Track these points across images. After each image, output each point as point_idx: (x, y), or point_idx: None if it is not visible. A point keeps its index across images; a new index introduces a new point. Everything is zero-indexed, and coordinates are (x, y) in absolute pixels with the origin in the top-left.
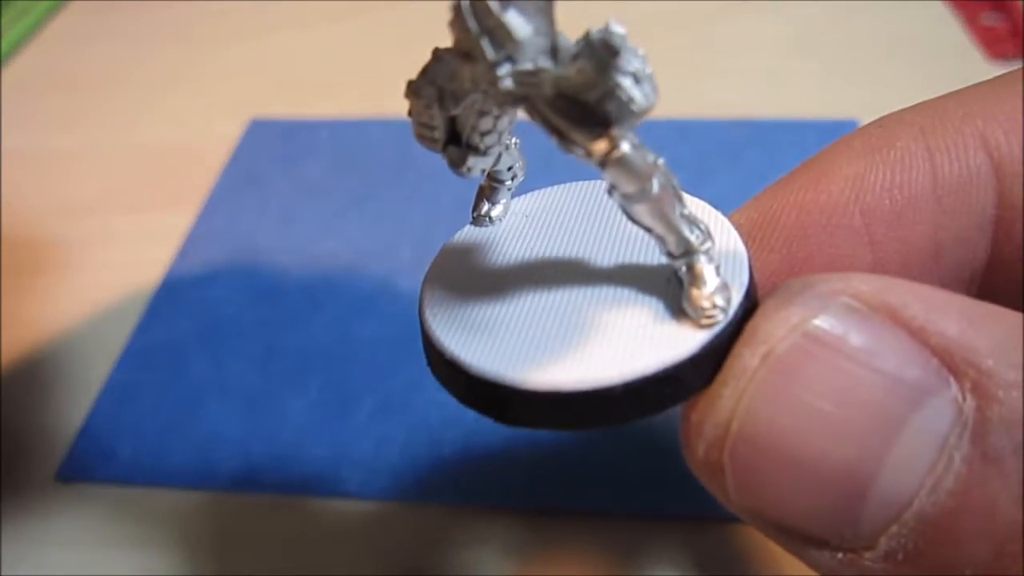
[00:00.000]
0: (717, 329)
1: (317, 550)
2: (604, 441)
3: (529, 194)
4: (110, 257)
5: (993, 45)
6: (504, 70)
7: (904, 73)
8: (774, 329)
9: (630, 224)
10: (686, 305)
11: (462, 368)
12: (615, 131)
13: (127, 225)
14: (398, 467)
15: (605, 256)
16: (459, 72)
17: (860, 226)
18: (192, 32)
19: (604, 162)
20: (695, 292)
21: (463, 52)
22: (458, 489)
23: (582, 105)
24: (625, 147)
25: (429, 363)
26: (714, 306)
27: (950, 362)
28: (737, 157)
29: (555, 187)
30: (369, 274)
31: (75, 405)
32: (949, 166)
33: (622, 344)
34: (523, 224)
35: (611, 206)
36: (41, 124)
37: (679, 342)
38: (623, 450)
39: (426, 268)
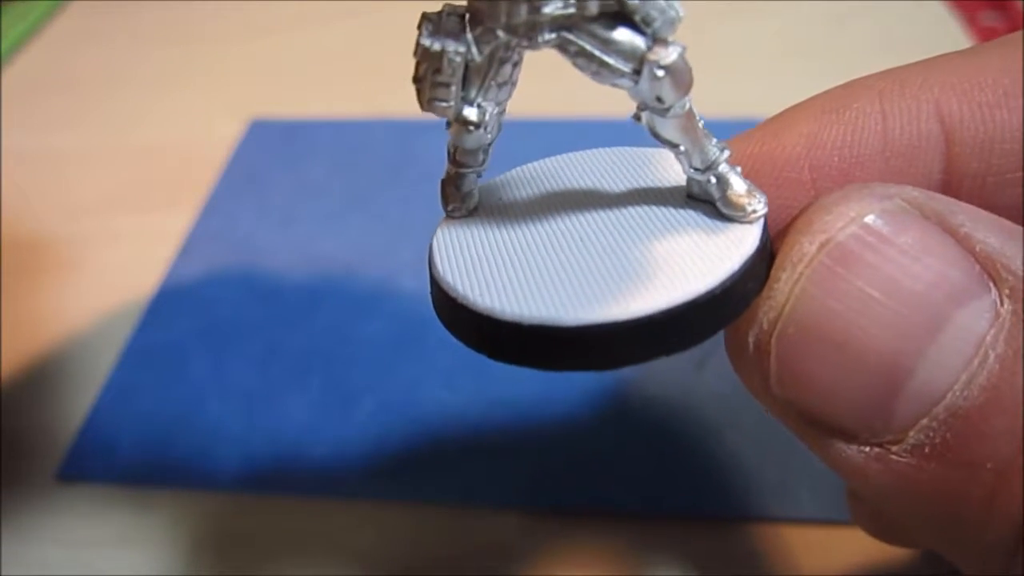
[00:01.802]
0: (763, 222)
1: (317, 550)
2: (605, 440)
3: (490, 180)
4: (110, 257)
5: None
6: None
7: None
8: (834, 220)
9: (619, 171)
10: (727, 209)
11: (563, 329)
12: (665, 37)
13: (127, 225)
14: (398, 467)
15: (618, 198)
16: (495, 6)
17: (808, 181)
18: (192, 32)
19: (660, 68)
20: (732, 194)
21: None
22: (458, 489)
23: (623, 18)
24: (678, 50)
25: (514, 354)
26: (756, 201)
27: (991, 269)
28: None
29: (514, 170)
30: (369, 274)
31: (76, 405)
32: (900, 130)
33: (694, 257)
34: (507, 200)
35: (589, 166)
36: (41, 124)
37: (742, 239)
38: (624, 449)
39: (429, 258)
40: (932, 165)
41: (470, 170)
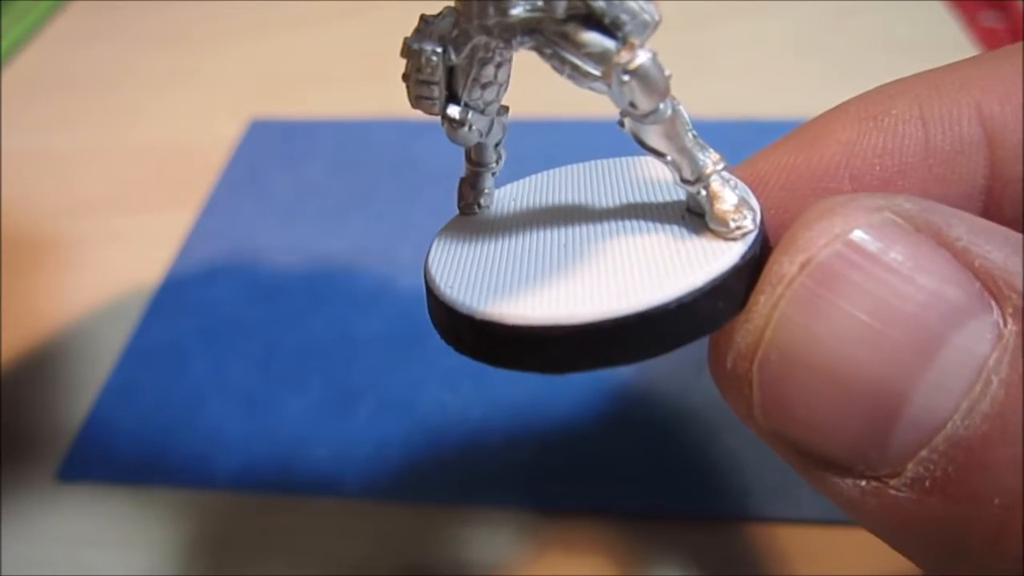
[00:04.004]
0: (751, 239)
1: (317, 550)
2: (605, 440)
3: (510, 184)
4: (110, 257)
5: (993, 45)
6: None
7: (904, 73)
8: (815, 237)
9: (627, 184)
10: (713, 224)
11: (506, 327)
12: (635, 40)
13: (127, 225)
14: (398, 467)
15: (614, 210)
16: (466, 7)
17: (848, 191)
18: (192, 32)
19: (627, 73)
20: (719, 208)
21: None
22: (458, 489)
23: (594, 21)
24: (647, 55)
25: (468, 347)
26: (743, 217)
27: (993, 286)
28: (737, 157)
29: (535, 175)
30: (369, 274)
31: (75, 405)
32: (942, 135)
33: (665, 269)
34: (516, 204)
35: (601, 176)
36: (41, 124)
37: (717, 256)
38: (624, 449)
39: (427, 261)
40: (975, 170)
41: (484, 169)
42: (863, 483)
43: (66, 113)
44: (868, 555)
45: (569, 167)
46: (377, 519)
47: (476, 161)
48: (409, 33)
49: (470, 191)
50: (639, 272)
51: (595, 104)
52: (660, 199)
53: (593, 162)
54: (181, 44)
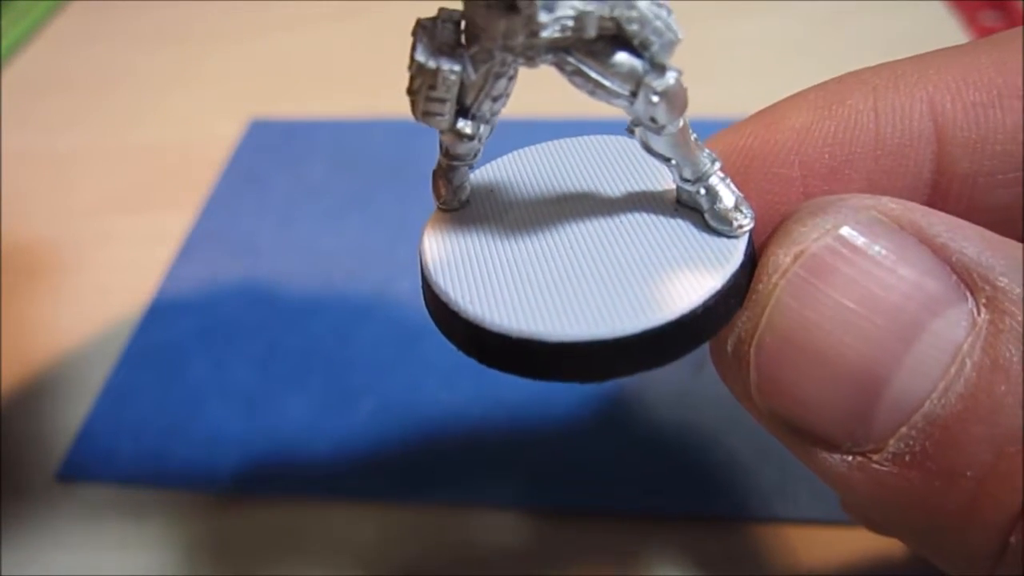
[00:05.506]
0: (748, 236)
1: (317, 550)
2: (605, 440)
3: (480, 169)
4: (110, 258)
5: None
6: (547, 17)
7: None
8: (808, 232)
9: (608, 169)
10: (715, 222)
11: (547, 344)
12: (666, 62)
13: (127, 226)
14: (398, 467)
15: (606, 201)
16: (491, 28)
17: (797, 177)
18: (192, 32)
19: (656, 94)
20: (721, 207)
21: (506, 4)
22: (458, 489)
23: (621, 41)
24: (675, 75)
25: (500, 362)
26: (743, 216)
27: (968, 278)
28: None
29: (503, 158)
30: (369, 274)
31: (75, 405)
32: (892, 127)
33: (684, 273)
34: (498, 196)
35: (576, 159)
36: (41, 124)
37: (727, 257)
38: (624, 449)
39: (427, 268)
40: (923, 165)
41: (462, 163)
42: (849, 458)
43: (66, 113)
44: (867, 555)
45: (535, 148)
46: (377, 519)
47: (454, 156)
48: (408, 39)
49: (446, 186)
50: (661, 278)
51: (593, 105)
52: (648, 187)
53: (557, 142)
54: (181, 44)
